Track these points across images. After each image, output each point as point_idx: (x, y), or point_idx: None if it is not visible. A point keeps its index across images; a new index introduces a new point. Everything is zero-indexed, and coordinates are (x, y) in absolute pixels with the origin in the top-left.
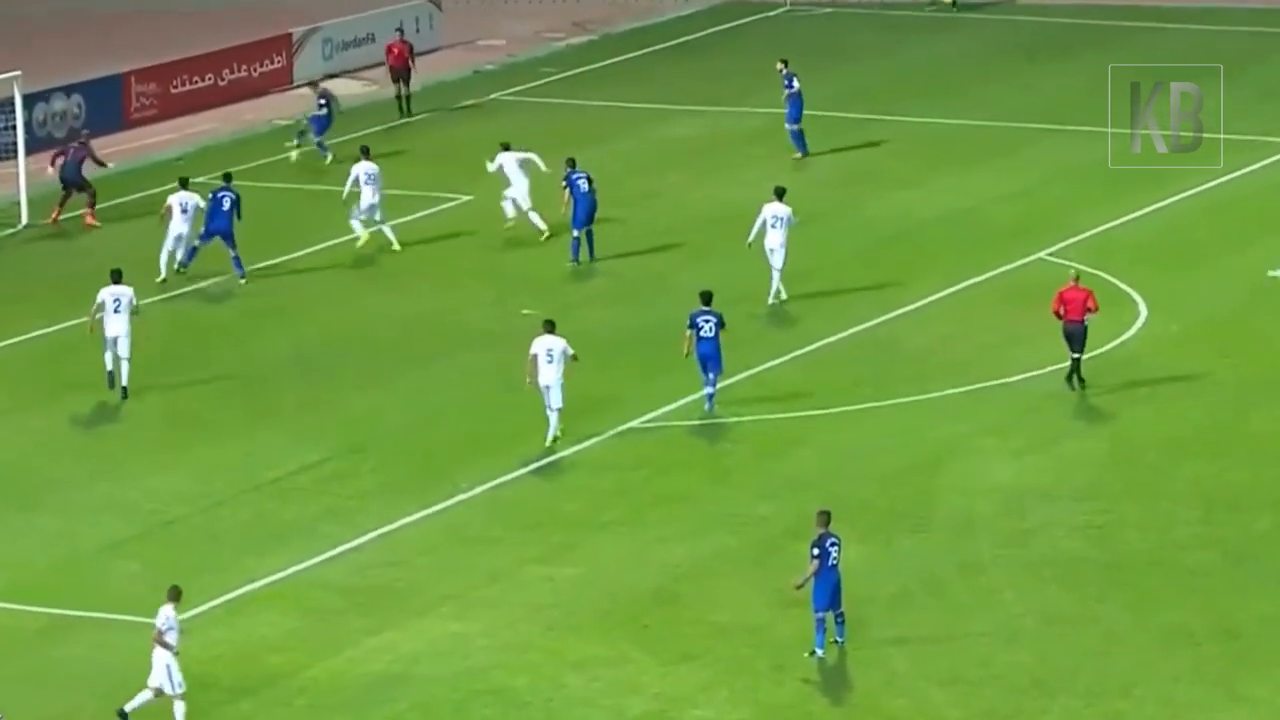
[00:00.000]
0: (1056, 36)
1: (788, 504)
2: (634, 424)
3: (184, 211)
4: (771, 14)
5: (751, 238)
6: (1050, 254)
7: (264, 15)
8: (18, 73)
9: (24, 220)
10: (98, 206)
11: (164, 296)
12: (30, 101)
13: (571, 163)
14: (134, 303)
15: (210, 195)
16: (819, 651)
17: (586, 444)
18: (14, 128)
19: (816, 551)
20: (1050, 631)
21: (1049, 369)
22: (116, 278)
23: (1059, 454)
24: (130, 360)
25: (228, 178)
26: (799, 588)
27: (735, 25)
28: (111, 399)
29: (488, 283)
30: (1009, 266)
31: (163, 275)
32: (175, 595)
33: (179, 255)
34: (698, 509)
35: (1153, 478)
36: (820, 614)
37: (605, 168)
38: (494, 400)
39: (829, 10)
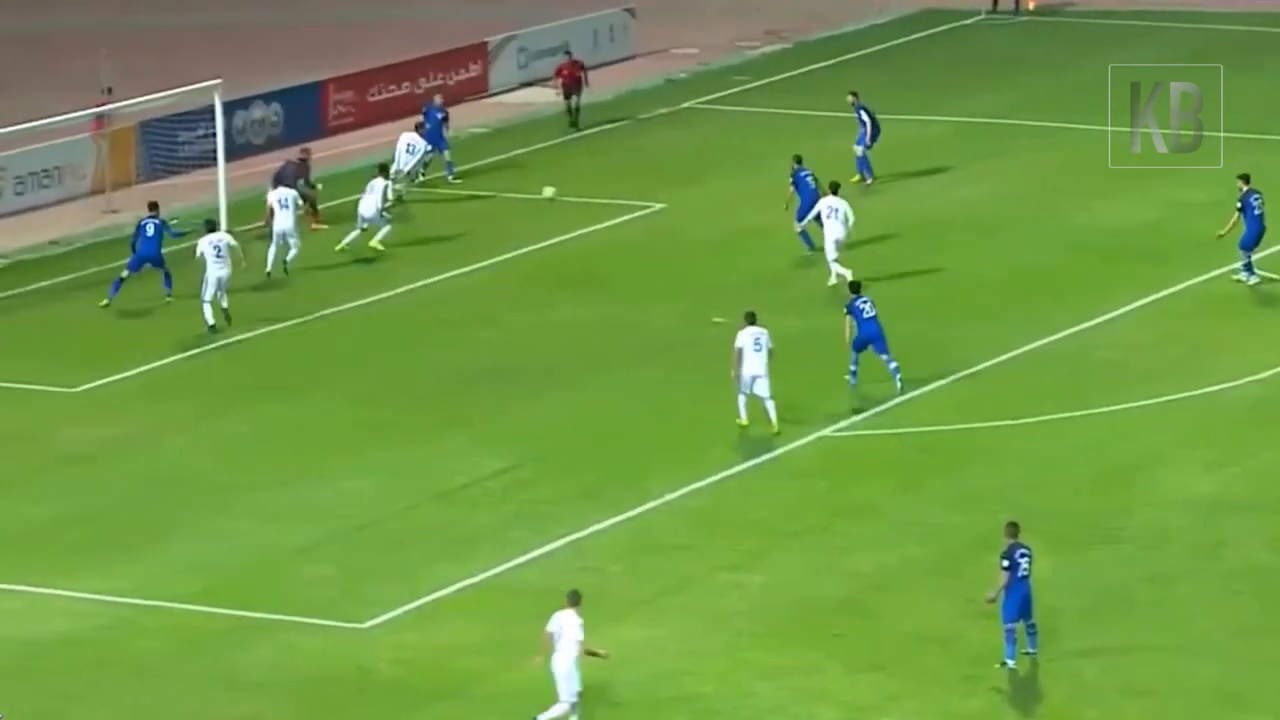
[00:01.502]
0: (1242, 44)
1: (977, 514)
2: (825, 432)
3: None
4: (967, 22)
5: (801, 225)
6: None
7: (461, 24)
8: (218, 81)
9: (223, 227)
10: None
11: (359, 303)
12: (230, 109)
13: (798, 160)
14: (233, 244)
15: (137, 224)
16: (1010, 662)
17: (777, 452)
18: (214, 135)
19: (1006, 563)
20: (1243, 645)
21: (1243, 380)
22: (211, 226)
23: (1253, 466)
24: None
25: (153, 206)
26: (991, 601)
27: (929, 34)
28: (302, 401)
29: (678, 290)
30: (1203, 277)
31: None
32: (575, 600)
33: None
34: (887, 518)
35: None
36: (1010, 625)
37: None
38: (683, 407)
39: (1024, 20)
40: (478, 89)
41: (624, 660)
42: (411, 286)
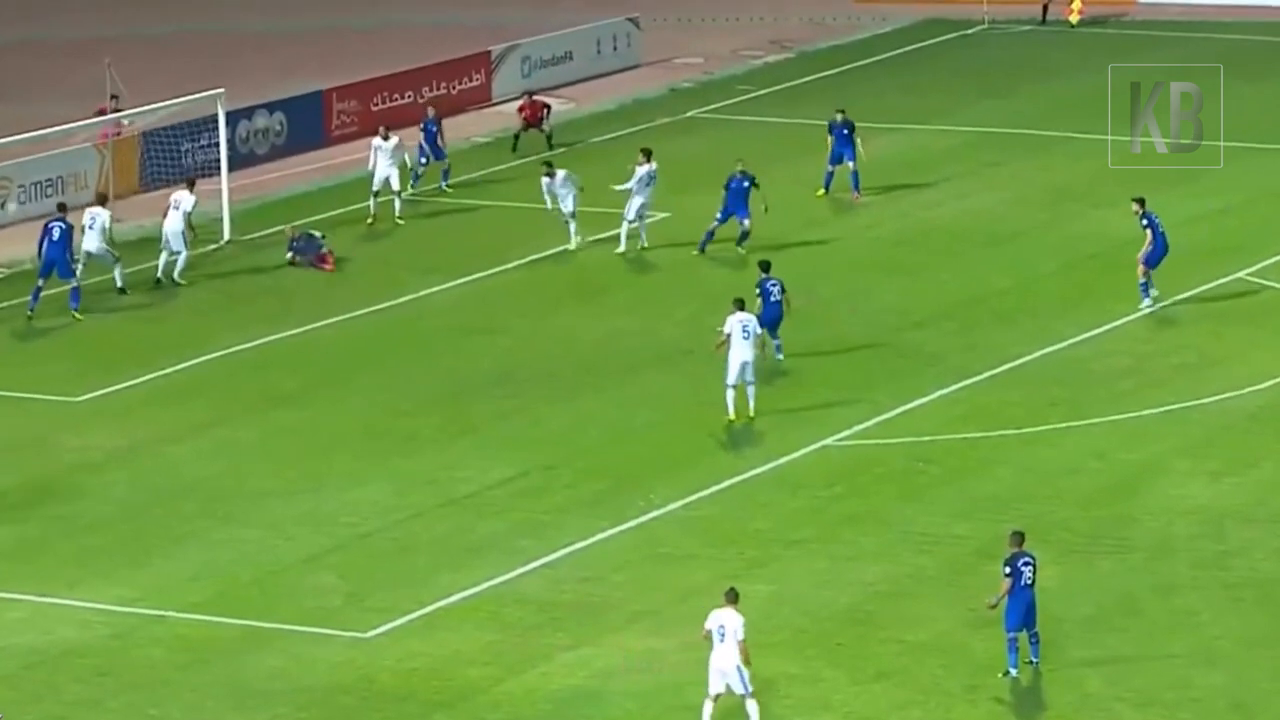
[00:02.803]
0: (1255, 53)
1: (982, 524)
2: (828, 442)
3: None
4: (969, 32)
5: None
6: (1250, 274)
7: (464, 33)
8: (221, 90)
9: (226, 236)
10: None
11: (363, 312)
12: (233, 119)
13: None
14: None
15: (44, 226)
16: (1013, 672)
17: (780, 461)
18: (217, 145)
19: (1008, 570)
20: (1248, 654)
21: (1247, 390)
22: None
23: (1258, 476)
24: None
25: (62, 208)
26: (993, 607)
27: (933, 43)
28: (308, 409)
29: (684, 299)
30: (1207, 286)
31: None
32: (734, 597)
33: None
34: (891, 528)
35: None
36: (1012, 634)
37: (800, 185)
38: (689, 417)
39: (1027, 28)
40: (481, 98)
41: (627, 670)
42: (416, 295)
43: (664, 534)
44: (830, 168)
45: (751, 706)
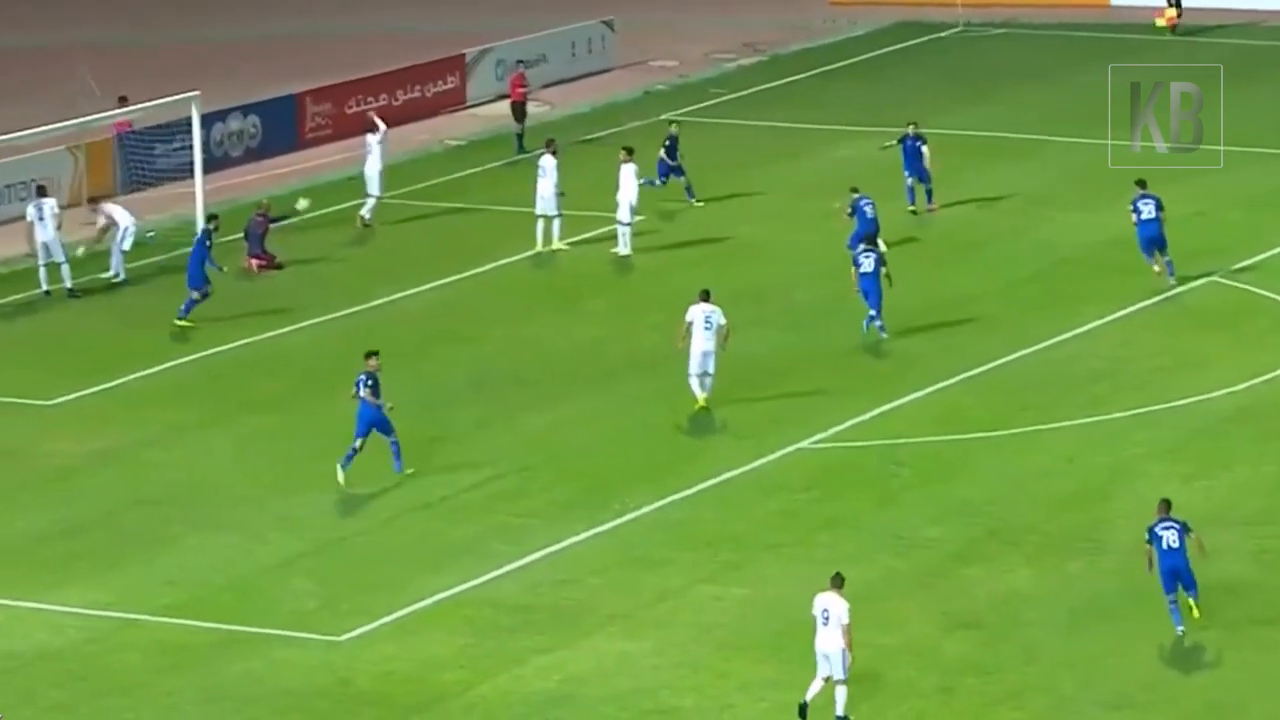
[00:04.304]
0: (1250, 58)
1: (955, 527)
2: (803, 445)
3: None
4: (943, 35)
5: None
6: (1223, 277)
7: (438, 37)
8: (196, 93)
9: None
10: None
11: (335, 315)
12: (208, 121)
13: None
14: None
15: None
16: (1179, 630)
17: (755, 464)
18: (192, 147)
19: (1148, 538)
20: (1221, 657)
21: (1220, 392)
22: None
23: (1230, 479)
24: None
25: (212, 219)
26: (1149, 573)
27: (907, 46)
28: (282, 413)
29: (658, 305)
30: (1182, 289)
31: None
32: (839, 582)
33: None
34: (866, 531)
35: None
36: (1170, 596)
37: (774, 189)
38: (663, 421)
39: (1002, 30)
40: (455, 101)
41: (602, 673)
42: (389, 299)
43: (639, 537)
44: (909, 181)
45: (840, 692)
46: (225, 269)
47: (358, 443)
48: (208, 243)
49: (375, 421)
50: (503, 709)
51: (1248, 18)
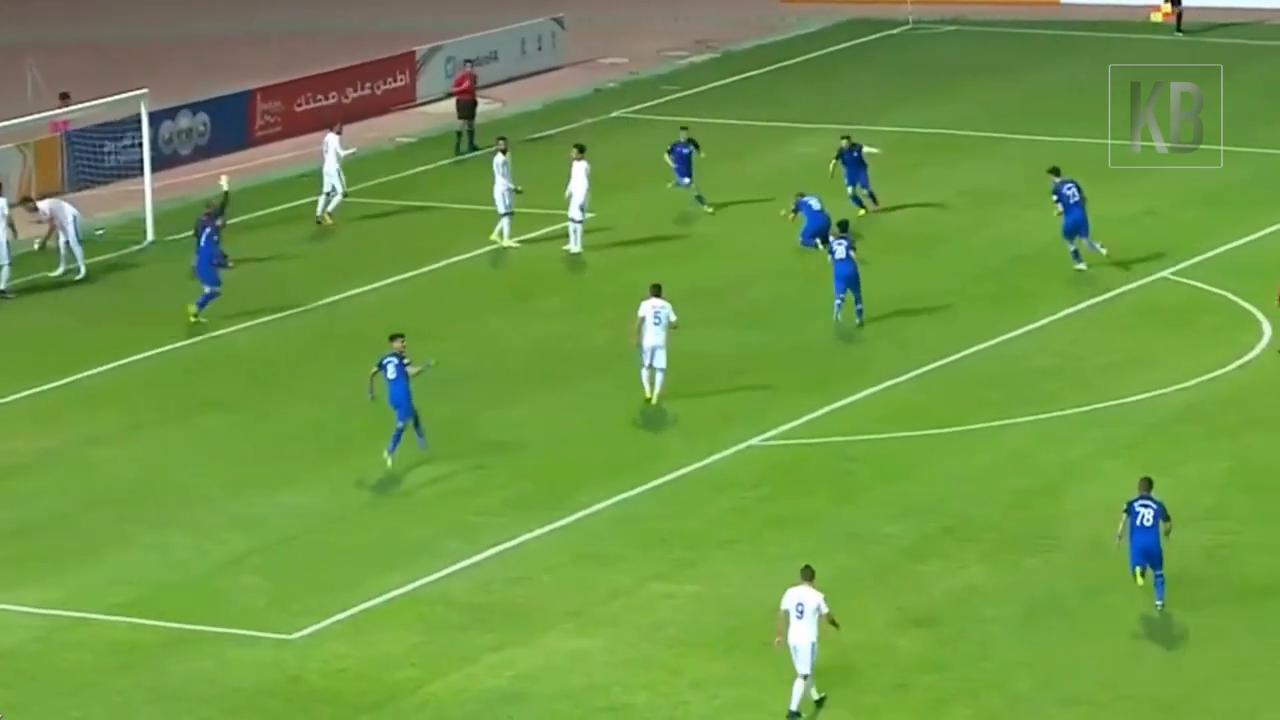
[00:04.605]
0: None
1: (909, 524)
2: (754, 442)
3: None
4: (894, 32)
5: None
6: (1173, 273)
7: (388, 35)
8: (144, 91)
9: (149, 237)
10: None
11: (289, 313)
12: (156, 119)
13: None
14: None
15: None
16: (1158, 604)
17: (709, 461)
18: (140, 145)
19: (1125, 510)
20: (1175, 654)
21: (1172, 389)
22: None
23: (1182, 475)
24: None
25: (215, 210)
26: (1118, 544)
27: (857, 43)
28: (236, 411)
29: (611, 302)
30: (1132, 286)
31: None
32: (809, 575)
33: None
34: (819, 528)
35: (1277, 500)
36: (1132, 568)
37: (727, 186)
38: (617, 419)
39: (952, 28)
40: (405, 99)
41: (554, 670)
42: (341, 297)
43: (592, 535)
44: (850, 190)
45: (799, 686)
46: (233, 265)
47: (401, 424)
48: (215, 237)
49: (398, 403)
50: (455, 706)
51: (1250, 16)
